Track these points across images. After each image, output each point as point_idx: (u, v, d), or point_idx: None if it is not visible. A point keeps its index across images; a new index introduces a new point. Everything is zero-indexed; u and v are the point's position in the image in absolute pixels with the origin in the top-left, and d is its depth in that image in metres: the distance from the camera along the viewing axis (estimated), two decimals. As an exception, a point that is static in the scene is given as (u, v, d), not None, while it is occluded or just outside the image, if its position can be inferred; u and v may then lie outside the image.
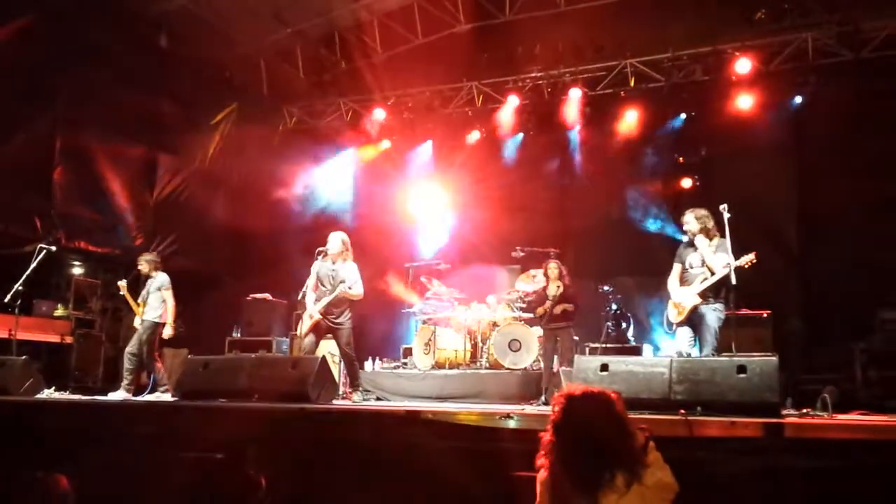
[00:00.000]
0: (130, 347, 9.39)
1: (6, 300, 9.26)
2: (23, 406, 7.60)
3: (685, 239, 7.81)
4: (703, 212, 7.60)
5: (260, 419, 6.25)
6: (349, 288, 8.50)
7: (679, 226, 8.22)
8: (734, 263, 7.16)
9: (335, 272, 8.60)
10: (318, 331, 8.62)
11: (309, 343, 8.57)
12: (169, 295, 9.64)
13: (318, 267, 8.75)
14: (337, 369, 8.98)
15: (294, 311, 12.76)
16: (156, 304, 9.55)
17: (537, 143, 14.26)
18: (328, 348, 9.63)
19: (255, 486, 4.45)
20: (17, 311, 9.32)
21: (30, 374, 8.51)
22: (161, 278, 9.74)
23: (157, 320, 9.50)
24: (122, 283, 9.93)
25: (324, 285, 8.64)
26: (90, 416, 7.13)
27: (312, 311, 8.56)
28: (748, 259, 7.22)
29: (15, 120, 11.14)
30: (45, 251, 9.52)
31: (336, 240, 8.71)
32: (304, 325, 8.68)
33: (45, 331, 10.63)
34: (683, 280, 7.58)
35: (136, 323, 9.66)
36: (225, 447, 5.55)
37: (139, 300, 9.65)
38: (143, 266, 9.87)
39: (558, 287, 9.74)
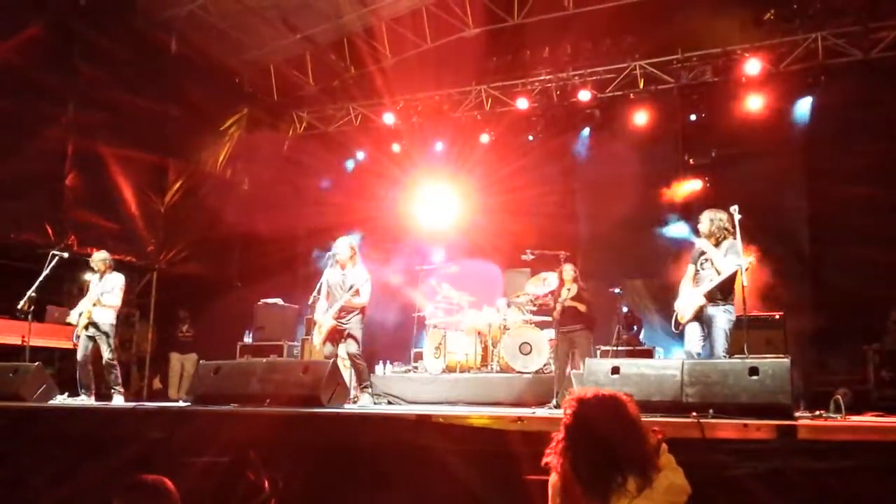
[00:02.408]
0: (107, 358, 9.17)
1: (19, 306, 9.28)
2: (36, 412, 7.63)
3: (701, 239, 7.76)
4: (721, 214, 7.47)
5: (271, 424, 6.26)
6: (356, 293, 8.41)
7: (690, 227, 8.18)
8: (744, 265, 7.13)
9: (345, 278, 8.54)
10: (334, 338, 8.53)
11: (328, 351, 8.52)
12: (122, 294, 9.46)
13: (329, 275, 8.70)
14: (348, 374, 8.97)
15: (305, 315, 12.79)
16: (113, 303, 9.35)
17: (547, 145, 14.25)
18: (339, 353, 9.62)
19: (257, 490, 4.45)
20: (29, 317, 9.34)
21: (43, 380, 8.51)
22: (119, 277, 9.52)
23: (114, 321, 9.35)
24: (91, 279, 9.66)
25: (335, 292, 8.57)
26: (103, 422, 7.16)
27: (324, 320, 8.50)
28: (748, 262, 7.19)
29: (27, 128, 11.21)
30: (57, 257, 9.53)
31: (344, 245, 8.64)
32: (317, 336, 8.63)
33: (58, 337, 10.65)
34: (696, 281, 7.55)
35: (74, 317, 9.26)
36: (233, 451, 5.57)
37: (92, 299, 9.28)
38: (99, 265, 9.50)
39: (568, 290, 9.72)
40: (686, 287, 7.58)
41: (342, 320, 8.48)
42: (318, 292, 8.79)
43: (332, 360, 7.77)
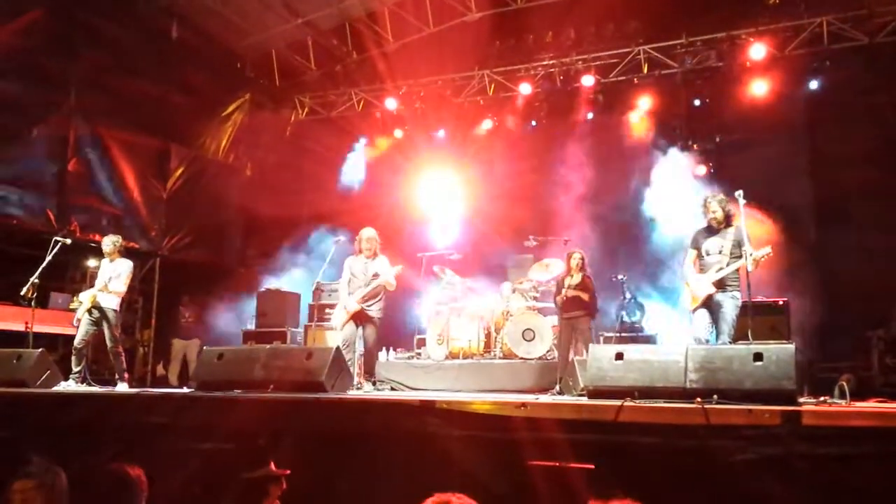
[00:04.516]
0: (112, 344, 9.19)
1: (22, 293, 9.27)
2: (39, 398, 7.64)
3: (702, 225, 7.73)
4: (723, 197, 7.53)
5: (275, 410, 6.26)
6: (385, 279, 8.79)
7: (694, 213, 8.14)
8: (754, 254, 7.11)
9: (367, 266, 8.87)
10: (357, 320, 8.83)
11: (350, 332, 8.79)
12: (128, 282, 9.44)
13: (351, 263, 9.03)
14: (353, 359, 9.00)
15: (308, 301, 12.79)
16: (118, 289, 9.29)
17: (550, 130, 14.20)
18: (335, 342, 9.67)
19: (262, 463, 4.46)
20: (32, 303, 9.33)
21: (46, 367, 8.51)
22: (128, 264, 9.48)
23: (117, 308, 9.32)
24: (96, 264, 9.69)
25: (357, 280, 8.88)
26: (106, 409, 7.17)
27: (348, 302, 8.76)
28: (765, 253, 7.17)
29: (29, 113, 11.19)
30: (59, 244, 9.51)
31: (368, 235, 8.98)
32: (338, 318, 8.91)
33: (61, 323, 10.66)
34: (699, 266, 7.52)
35: (78, 308, 9.29)
36: (239, 437, 5.58)
37: (100, 284, 9.27)
38: (109, 247, 9.46)
39: (572, 277, 9.72)
40: (690, 271, 7.56)
41: (368, 307, 8.82)
42: (333, 270, 9.30)
43: (335, 347, 7.78)
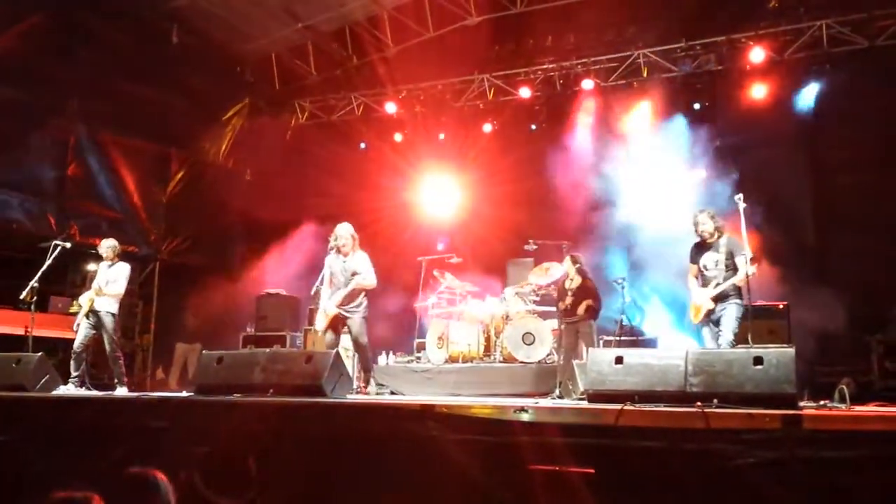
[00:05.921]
0: (110, 348, 9.21)
1: (22, 297, 9.25)
2: (39, 402, 7.63)
3: (697, 239, 7.74)
4: (711, 210, 7.56)
5: (274, 414, 6.25)
6: (363, 279, 8.49)
7: (692, 219, 8.13)
8: (749, 255, 7.12)
9: (346, 264, 8.57)
10: (337, 325, 8.58)
11: (330, 339, 8.56)
12: (125, 285, 9.42)
13: (331, 262, 8.72)
14: (350, 363, 8.96)
15: (308, 305, 12.78)
16: (116, 291, 9.31)
17: (549, 135, 14.19)
18: (342, 343, 9.61)
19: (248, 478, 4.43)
20: (32, 307, 9.32)
21: (46, 371, 8.48)
22: (125, 267, 9.48)
23: (116, 312, 9.31)
24: (95, 268, 9.66)
25: (338, 279, 8.61)
26: (106, 412, 7.16)
27: (328, 306, 8.52)
28: (752, 271, 7.20)
29: (29, 117, 11.20)
30: (59, 248, 9.50)
31: (344, 232, 8.64)
32: (320, 322, 8.66)
33: (61, 327, 10.64)
34: (701, 281, 7.54)
35: (78, 312, 9.36)
36: (228, 441, 5.57)
37: (95, 287, 9.28)
38: (108, 252, 9.47)
39: (572, 281, 9.71)
40: (693, 286, 7.58)
41: (347, 307, 8.51)
42: (321, 281, 8.81)
43: (335, 351, 7.77)
